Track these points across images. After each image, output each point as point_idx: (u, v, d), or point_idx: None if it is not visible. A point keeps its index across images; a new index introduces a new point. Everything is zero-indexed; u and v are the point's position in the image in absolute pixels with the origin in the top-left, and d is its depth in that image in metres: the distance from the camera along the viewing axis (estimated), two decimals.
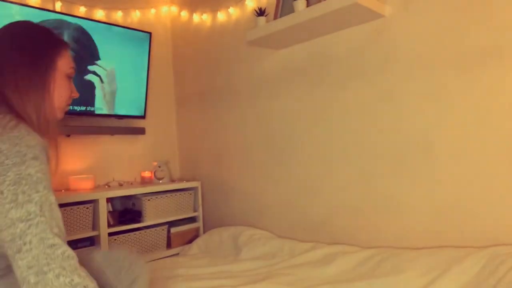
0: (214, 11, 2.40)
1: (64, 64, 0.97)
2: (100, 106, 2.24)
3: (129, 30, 2.34)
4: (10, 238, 0.71)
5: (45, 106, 0.93)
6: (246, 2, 2.18)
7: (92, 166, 2.36)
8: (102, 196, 2.01)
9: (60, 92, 0.99)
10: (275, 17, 1.84)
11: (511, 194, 1.29)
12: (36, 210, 0.73)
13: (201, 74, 2.54)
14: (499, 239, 1.30)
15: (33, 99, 0.88)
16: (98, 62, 2.22)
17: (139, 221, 2.19)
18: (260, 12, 1.85)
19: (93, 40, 2.18)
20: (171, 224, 2.33)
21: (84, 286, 0.72)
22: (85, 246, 1.99)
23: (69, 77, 1.00)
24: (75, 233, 1.93)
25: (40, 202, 0.75)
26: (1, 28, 0.93)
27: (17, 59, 0.88)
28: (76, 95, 1.06)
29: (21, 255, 0.69)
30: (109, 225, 2.05)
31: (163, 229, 2.28)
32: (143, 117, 2.47)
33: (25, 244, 0.70)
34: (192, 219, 2.46)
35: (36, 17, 1.95)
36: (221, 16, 2.35)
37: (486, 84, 1.34)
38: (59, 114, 1.08)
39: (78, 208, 1.94)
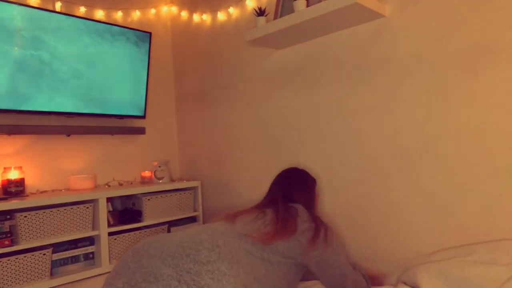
0: (214, 11, 2.40)
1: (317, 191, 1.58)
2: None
3: (129, 30, 2.34)
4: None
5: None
6: (246, 2, 2.18)
7: (92, 166, 2.36)
8: (102, 196, 2.01)
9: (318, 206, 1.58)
10: (275, 17, 1.84)
11: (511, 193, 1.30)
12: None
13: (201, 74, 2.54)
14: (501, 238, 1.31)
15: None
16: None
17: (139, 221, 2.19)
18: (260, 12, 1.86)
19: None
20: (171, 223, 2.33)
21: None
22: (85, 246, 1.99)
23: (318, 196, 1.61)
24: (75, 232, 1.93)
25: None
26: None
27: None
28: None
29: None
30: (109, 225, 2.05)
31: (163, 229, 2.28)
32: (143, 117, 2.47)
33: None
34: (192, 219, 2.46)
35: (36, 17, 1.95)
36: (221, 16, 2.36)
37: (486, 83, 1.34)
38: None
39: (78, 207, 1.94)
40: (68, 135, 2.25)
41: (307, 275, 1.38)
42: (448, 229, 1.44)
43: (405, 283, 1.37)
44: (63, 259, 1.92)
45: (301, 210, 1.33)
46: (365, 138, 1.68)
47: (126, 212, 2.19)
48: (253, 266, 1.15)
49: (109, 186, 2.33)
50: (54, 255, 1.88)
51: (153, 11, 2.68)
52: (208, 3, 2.44)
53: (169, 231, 2.31)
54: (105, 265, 1.99)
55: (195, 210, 2.46)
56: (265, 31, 1.78)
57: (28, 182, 2.07)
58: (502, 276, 1.15)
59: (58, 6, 2.24)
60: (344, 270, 1.27)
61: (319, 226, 1.29)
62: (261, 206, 1.39)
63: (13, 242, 1.74)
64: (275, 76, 2.05)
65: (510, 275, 1.15)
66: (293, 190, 1.46)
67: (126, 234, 2.11)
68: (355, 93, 1.71)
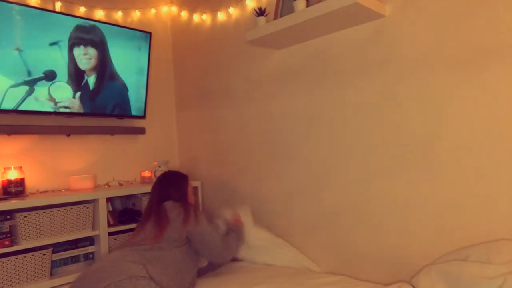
0: (214, 11, 2.40)
1: (190, 188, 1.95)
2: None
3: (129, 30, 2.34)
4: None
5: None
6: (246, 2, 2.18)
7: (92, 166, 2.36)
8: (102, 196, 2.01)
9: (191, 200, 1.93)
10: (275, 17, 1.84)
11: (511, 193, 1.30)
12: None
13: (201, 74, 2.54)
14: (500, 238, 1.31)
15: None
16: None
17: (139, 221, 2.19)
18: (260, 12, 1.85)
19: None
20: None
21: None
22: (84, 246, 1.99)
23: (192, 193, 1.98)
24: (75, 232, 1.93)
25: None
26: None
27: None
28: (194, 202, 1.98)
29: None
30: (109, 225, 2.05)
31: None
32: (143, 117, 2.47)
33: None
34: None
35: (36, 17, 1.95)
36: (221, 16, 2.36)
37: (486, 83, 1.34)
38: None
39: (78, 207, 1.94)
40: (68, 135, 2.25)
41: None
42: (448, 229, 1.44)
43: (412, 286, 1.38)
44: (63, 259, 1.92)
45: (168, 204, 1.73)
46: (365, 138, 1.68)
47: (126, 212, 2.19)
48: (160, 258, 1.53)
49: (109, 186, 2.33)
50: (54, 255, 1.88)
51: (153, 11, 2.68)
52: (208, 3, 2.44)
53: None
54: None
55: None
56: (265, 31, 1.78)
57: (28, 182, 2.07)
58: (498, 275, 1.16)
59: (58, 6, 2.24)
60: (212, 240, 1.69)
61: (188, 208, 1.71)
62: (141, 225, 1.73)
63: (13, 242, 1.74)
64: (275, 76, 2.05)
65: (506, 273, 1.15)
66: (167, 190, 1.83)
67: (126, 234, 2.11)
68: (355, 93, 1.71)
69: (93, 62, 2.19)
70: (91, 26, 2.17)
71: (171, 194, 1.81)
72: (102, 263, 1.48)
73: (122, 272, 1.36)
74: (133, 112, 2.41)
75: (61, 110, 2.10)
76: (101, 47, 2.22)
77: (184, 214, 1.68)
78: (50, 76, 2.04)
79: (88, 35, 2.16)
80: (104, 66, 2.24)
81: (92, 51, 2.19)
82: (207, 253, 1.71)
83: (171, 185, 1.86)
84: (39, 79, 2.00)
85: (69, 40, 2.09)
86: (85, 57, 2.16)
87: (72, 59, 2.11)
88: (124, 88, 2.35)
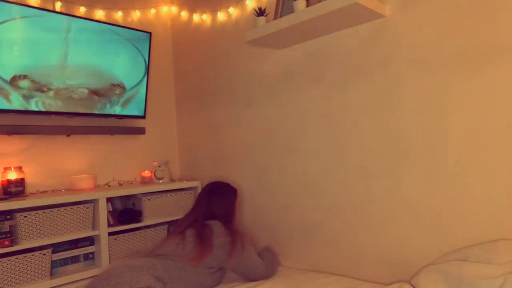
0: (214, 11, 2.40)
1: (238, 203, 1.92)
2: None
3: (129, 30, 2.34)
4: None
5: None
6: (246, 2, 2.18)
7: (92, 166, 2.36)
8: (102, 196, 2.01)
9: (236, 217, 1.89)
10: (275, 17, 1.84)
11: (511, 193, 1.30)
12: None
13: (201, 74, 2.54)
14: (499, 238, 1.31)
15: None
16: None
17: (139, 221, 2.19)
18: (260, 12, 1.85)
19: None
20: (171, 223, 2.33)
21: None
22: (85, 246, 1.99)
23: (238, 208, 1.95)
24: (75, 232, 1.93)
25: None
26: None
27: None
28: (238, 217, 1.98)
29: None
30: (109, 225, 2.05)
31: (163, 229, 2.28)
32: (143, 117, 2.47)
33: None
34: None
35: (35, 17, 1.95)
36: (221, 16, 2.36)
37: (486, 83, 1.34)
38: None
39: (78, 207, 1.94)
40: (68, 135, 2.25)
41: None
42: (448, 229, 1.44)
43: (412, 286, 1.38)
44: (63, 259, 1.92)
45: (216, 227, 1.64)
46: (365, 138, 1.68)
47: (126, 212, 2.19)
48: (187, 278, 1.52)
49: (109, 186, 2.33)
50: (54, 255, 1.88)
51: (153, 11, 2.68)
52: (208, 3, 2.44)
53: (169, 231, 2.31)
54: (105, 265, 1.99)
55: None
56: (265, 31, 1.78)
57: (28, 182, 2.07)
58: (498, 275, 1.16)
59: (58, 6, 2.24)
60: (255, 265, 1.66)
61: (235, 239, 1.62)
62: (183, 228, 1.68)
63: (13, 242, 1.74)
64: (275, 76, 2.05)
65: (506, 273, 1.15)
66: (214, 205, 1.77)
67: (126, 234, 2.11)
68: (355, 93, 1.71)
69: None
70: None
71: (218, 211, 1.76)
72: (125, 268, 1.45)
73: (140, 280, 1.36)
74: (133, 112, 2.40)
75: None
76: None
77: (231, 245, 1.61)
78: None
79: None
80: None
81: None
82: (251, 277, 1.67)
83: (220, 200, 1.81)
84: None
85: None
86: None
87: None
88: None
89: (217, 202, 1.79)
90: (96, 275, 1.45)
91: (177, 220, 2.34)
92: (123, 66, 2.32)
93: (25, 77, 1.94)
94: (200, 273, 1.56)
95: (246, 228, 2.24)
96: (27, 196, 1.93)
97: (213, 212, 1.75)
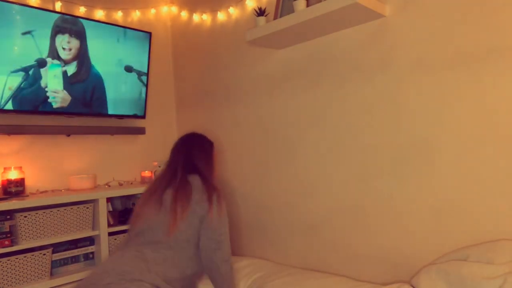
0: (214, 11, 2.40)
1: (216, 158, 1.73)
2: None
3: (129, 30, 2.34)
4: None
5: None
6: (246, 2, 2.18)
7: (92, 166, 2.36)
8: (102, 196, 2.01)
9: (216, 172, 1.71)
10: (275, 17, 1.84)
11: (511, 193, 1.30)
12: None
13: (201, 74, 2.54)
14: (499, 238, 1.31)
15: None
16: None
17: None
18: (260, 12, 1.85)
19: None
20: None
21: None
22: (85, 246, 1.99)
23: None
24: (75, 232, 1.93)
25: None
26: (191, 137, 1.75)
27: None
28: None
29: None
30: (109, 225, 2.05)
31: None
32: (143, 117, 2.47)
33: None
34: None
35: (36, 16, 1.95)
36: (221, 16, 2.36)
37: (486, 84, 1.34)
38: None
39: (78, 207, 1.94)
40: (68, 135, 2.25)
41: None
42: (448, 229, 1.44)
43: (412, 286, 1.38)
44: (63, 259, 1.92)
45: (196, 182, 1.50)
46: (365, 139, 1.68)
47: (126, 212, 2.19)
48: (166, 257, 1.36)
49: (109, 186, 2.33)
50: (54, 255, 1.88)
51: (153, 11, 2.68)
52: (208, 3, 2.44)
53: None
54: None
55: None
56: (265, 31, 1.78)
57: (28, 182, 2.07)
58: (498, 275, 1.16)
59: (58, 6, 2.24)
60: (222, 240, 1.47)
61: (211, 194, 1.48)
62: (162, 188, 1.52)
63: (13, 242, 1.74)
64: (275, 76, 2.05)
65: (506, 273, 1.15)
66: (193, 156, 1.60)
67: (126, 234, 2.10)
68: (355, 93, 1.71)
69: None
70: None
71: (199, 162, 1.58)
72: (108, 265, 1.35)
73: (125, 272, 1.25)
74: (133, 112, 2.40)
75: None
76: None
77: (210, 202, 1.45)
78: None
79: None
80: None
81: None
82: (214, 246, 1.44)
83: (199, 150, 1.63)
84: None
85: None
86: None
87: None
88: (123, 88, 2.34)
89: (196, 153, 1.61)
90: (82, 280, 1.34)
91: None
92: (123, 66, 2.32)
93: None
94: (182, 254, 1.40)
95: (246, 228, 2.24)
96: (27, 196, 1.93)
97: (193, 164, 1.58)
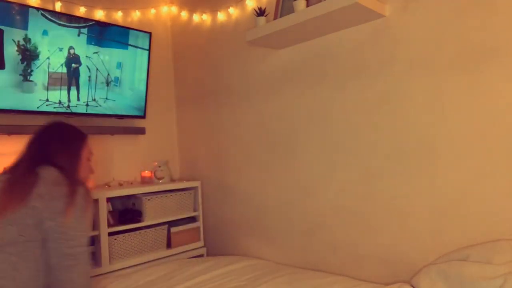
0: (214, 11, 2.40)
1: (86, 151, 1.46)
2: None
3: (129, 30, 2.34)
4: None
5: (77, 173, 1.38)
6: (246, 2, 2.18)
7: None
8: (102, 196, 2.01)
9: (84, 171, 1.42)
10: (275, 17, 1.84)
11: (511, 193, 1.30)
12: None
13: (201, 74, 2.54)
14: (499, 238, 1.31)
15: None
16: None
17: (139, 221, 2.19)
18: (260, 12, 1.85)
19: None
20: (171, 223, 2.33)
21: None
22: None
23: (88, 159, 1.47)
24: None
25: None
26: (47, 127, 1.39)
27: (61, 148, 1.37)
28: (92, 172, 1.53)
29: None
30: (109, 225, 2.05)
31: (163, 229, 2.28)
32: (143, 117, 2.47)
33: None
34: (192, 219, 2.46)
35: (35, 17, 1.95)
36: (221, 16, 2.35)
37: (486, 84, 1.34)
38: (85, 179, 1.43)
39: None
40: None
41: None
42: (448, 229, 1.44)
43: (412, 286, 1.38)
44: None
45: (48, 174, 1.21)
46: (365, 139, 1.68)
47: (126, 212, 2.19)
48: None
49: (109, 186, 2.33)
50: None
51: (153, 11, 2.68)
52: (208, 3, 2.44)
53: (169, 231, 2.31)
54: (105, 265, 1.99)
55: (195, 210, 2.46)
56: (265, 31, 1.78)
57: None
58: (498, 275, 1.16)
59: (58, 6, 2.23)
60: (80, 252, 1.17)
61: (73, 190, 1.19)
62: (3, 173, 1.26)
63: None
64: (275, 76, 2.05)
65: (506, 273, 1.15)
66: (50, 148, 1.32)
67: (126, 234, 2.11)
68: (355, 93, 1.71)
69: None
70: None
71: (59, 156, 1.31)
72: None
73: None
74: (133, 112, 2.40)
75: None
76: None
77: (68, 198, 1.16)
78: None
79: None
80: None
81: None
82: (65, 251, 1.15)
83: (60, 142, 1.35)
84: None
85: None
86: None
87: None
88: (123, 88, 2.34)
89: (54, 144, 1.34)
90: None
91: (177, 220, 2.35)
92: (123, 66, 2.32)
93: None
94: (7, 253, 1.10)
95: (246, 227, 2.24)
96: None
97: (48, 155, 1.31)
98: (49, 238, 1.14)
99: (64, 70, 2.08)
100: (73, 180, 1.24)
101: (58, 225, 1.15)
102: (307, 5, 1.64)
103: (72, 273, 1.16)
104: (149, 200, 2.21)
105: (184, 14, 2.64)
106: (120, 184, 2.40)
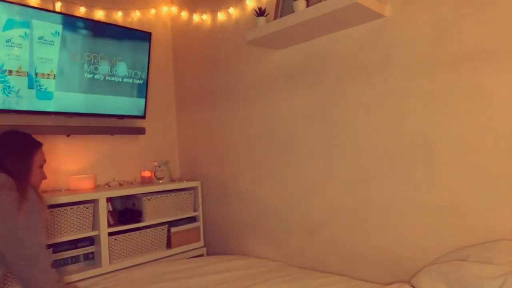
0: (214, 11, 2.40)
1: (39, 159, 1.47)
2: None
3: (129, 30, 2.34)
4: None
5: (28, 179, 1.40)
6: (246, 2, 2.18)
7: (92, 166, 2.36)
8: (102, 196, 2.01)
9: (35, 177, 1.44)
10: (275, 17, 1.84)
11: (511, 193, 1.30)
12: None
13: (201, 74, 2.54)
14: (499, 238, 1.31)
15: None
16: None
17: (139, 221, 2.19)
18: (260, 12, 1.85)
19: None
20: (171, 223, 2.33)
21: None
22: (84, 246, 1.99)
23: (41, 166, 1.48)
24: (75, 233, 1.93)
25: None
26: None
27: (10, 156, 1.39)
28: (45, 178, 1.52)
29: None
30: (109, 225, 2.05)
31: (163, 229, 2.28)
32: (143, 117, 2.47)
33: None
34: (192, 219, 2.46)
35: (36, 16, 1.95)
36: (221, 16, 2.35)
37: (486, 83, 1.34)
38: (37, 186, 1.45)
39: (78, 208, 1.94)
40: (68, 135, 2.25)
41: None
42: (448, 229, 1.44)
43: (412, 286, 1.38)
44: (63, 259, 1.92)
45: None
46: (365, 139, 1.68)
47: (126, 212, 2.19)
48: None
49: (109, 186, 2.33)
50: (54, 255, 1.88)
51: (153, 11, 2.68)
52: (208, 3, 2.44)
53: (169, 231, 2.31)
54: (105, 265, 1.99)
55: (195, 210, 2.46)
56: (265, 31, 1.78)
57: None
58: (498, 275, 1.16)
59: (58, 6, 2.23)
60: (35, 252, 1.20)
61: (23, 194, 1.24)
62: None
63: None
64: (275, 76, 2.05)
65: (506, 273, 1.15)
66: (2, 155, 1.36)
67: (126, 234, 2.11)
68: (355, 93, 1.71)
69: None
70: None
71: (8, 163, 1.34)
72: None
73: None
74: (133, 112, 2.40)
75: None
76: None
77: (16, 204, 1.21)
78: None
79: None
80: None
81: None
82: (23, 266, 1.22)
83: (10, 150, 1.39)
84: None
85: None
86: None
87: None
88: (123, 88, 2.34)
89: (6, 152, 1.38)
90: None
91: (177, 220, 2.35)
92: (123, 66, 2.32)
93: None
94: None
95: (246, 227, 2.24)
96: None
97: (4, 167, 1.35)
98: (2, 241, 1.20)
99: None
100: (23, 185, 1.28)
101: (10, 229, 1.20)
102: (307, 5, 1.64)
103: (31, 273, 1.22)
104: (149, 200, 2.21)
105: (184, 14, 2.64)
106: (120, 184, 2.40)
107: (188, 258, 2.30)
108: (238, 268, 1.86)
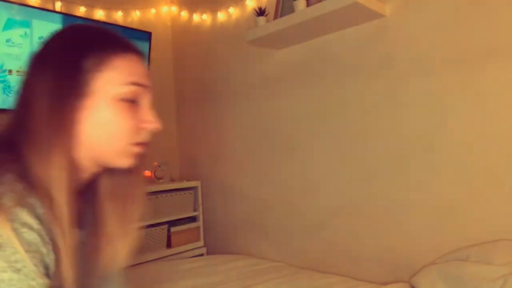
0: (214, 11, 2.40)
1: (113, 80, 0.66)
2: None
3: (129, 30, 2.34)
4: None
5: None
6: (246, 2, 2.18)
7: None
8: None
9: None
10: (275, 17, 1.84)
11: (511, 193, 1.29)
12: None
13: (201, 74, 2.54)
14: (499, 238, 1.31)
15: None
16: None
17: None
18: (260, 12, 1.85)
19: None
20: (171, 223, 2.33)
21: None
22: None
23: (131, 101, 0.69)
24: None
25: None
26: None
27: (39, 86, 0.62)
28: (156, 126, 0.76)
29: None
30: None
31: (163, 229, 2.28)
32: None
33: None
34: (192, 219, 2.46)
35: (36, 16, 1.95)
36: (221, 16, 2.35)
37: (486, 84, 1.34)
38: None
39: None
40: None
41: None
42: (448, 229, 1.44)
43: (412, 286, 1.38)
44: None
45: None
46: (365, 139, 1.68)
47: None
48: None
49: None
50: None
51: (153, 11, 2.68)
52: (208, 3, 2.44)
53: (169, 231, 2.31)
54: None
55: (195, 210, 2.46)
56: (265, 31, 1.78)
57: None
58: (499, 276, 1.16)
59: (58, 5, 2.23)
60: None
61: None
62: None
63: None
64: (275, 76, 2.05)
65: (506, 273, 1.15)
66: None
67: None
68: (355, 93, 1.71)
69: None
70: None
71: None
72: None
73: None
74: None
75: None
76: None
77: None
78: None
79: None
80: None
81: None
82: None
83: None
84: None
85: None
86: None
87: None
88: None
89: None
90: None
91: (177, 220, 2.35)
92: None
93: None
94: None
95: (246, 227, 2.24)
96: None
97: None
98: None
99: None
100: None
101: None
102: (307, 5, 1.64)
103: None
104: (149, 200, 2.21)
105: (184, 14, 2.64)
106: None
107: (188, 257, 2.29)
108: (238, 268, 1.86)
